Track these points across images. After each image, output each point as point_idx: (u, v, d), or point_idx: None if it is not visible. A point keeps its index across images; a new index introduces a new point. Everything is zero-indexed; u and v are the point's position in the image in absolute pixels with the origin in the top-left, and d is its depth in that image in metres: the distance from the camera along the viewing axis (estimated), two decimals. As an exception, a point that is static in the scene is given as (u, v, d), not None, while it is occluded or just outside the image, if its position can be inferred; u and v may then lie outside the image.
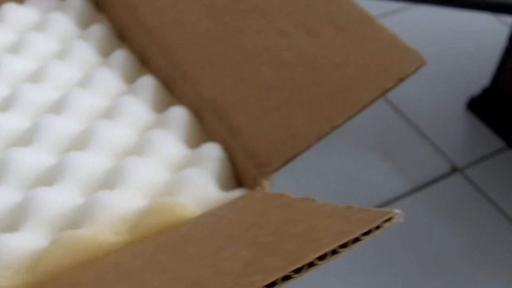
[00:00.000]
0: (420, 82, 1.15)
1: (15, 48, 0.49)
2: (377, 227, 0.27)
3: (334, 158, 1.02)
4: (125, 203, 0.37)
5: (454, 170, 1.04)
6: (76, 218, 0.36)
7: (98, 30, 0.51)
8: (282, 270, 0.25)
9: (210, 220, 0.36)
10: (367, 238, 0.27)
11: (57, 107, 0.43)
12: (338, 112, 0.41)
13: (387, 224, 0.28)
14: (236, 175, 0.43)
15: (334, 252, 0.26)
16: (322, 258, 0.26)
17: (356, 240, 0.27)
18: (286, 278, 0.25)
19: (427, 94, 1.21)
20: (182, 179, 0.39)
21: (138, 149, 0.41)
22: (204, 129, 0.45)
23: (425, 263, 0.87)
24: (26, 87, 0.44)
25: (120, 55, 0.49)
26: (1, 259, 0.33)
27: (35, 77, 0.46)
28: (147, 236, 0.36)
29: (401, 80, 0.42)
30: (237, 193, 0.40)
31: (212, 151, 0.42)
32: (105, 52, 0.51)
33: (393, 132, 1.08)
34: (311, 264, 0.26)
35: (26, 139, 0.41)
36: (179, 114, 0.44)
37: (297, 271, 0.25)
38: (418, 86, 1.16)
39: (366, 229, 0.27)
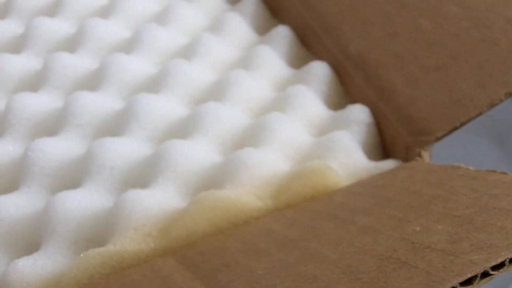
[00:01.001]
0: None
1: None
2: None
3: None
4: (270, 164, 0.33)
5: None
6: (215, 177, 0.33)
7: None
8: (510, 249, 0.21)
9: (368, 189, 0.32)
10: None
11: (187, 52, 0.40)
12: (515, 76, 0.36)
13: None
14: (383, 143, 0.39)
15: None
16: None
17: None
18: (515, 260, 0.21)
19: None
20: (329, 142, 0.35)
21: (278, 105, 0.38)
22: (346, 88, 0.41)
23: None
24: (151, 28, 0.40)
25: (250, 3, 0.45)
26: (131, 218, 0.30)
27: (160, 18, 0.43)
28: (294, 203, 0.32)
29: None
30: (389, 163, 0.36)
31: (359, 113, 0.38)
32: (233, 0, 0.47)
33: (506, 117, 1.01)
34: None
35: (154, 85, 0.38)
36: (320, 70, 0.40)
37: (530, 252, 0.21)
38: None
39: None
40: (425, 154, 0.36)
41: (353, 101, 0.40)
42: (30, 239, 0.31)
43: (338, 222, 0.28)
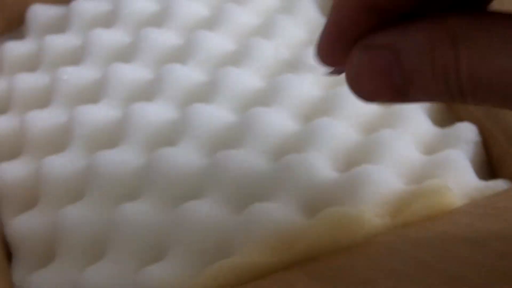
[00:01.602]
0: None
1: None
2: None
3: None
4: (388, 182, 0.33)
5: None
6: (334, 193, 0.33)
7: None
8: None
9: (490, 211, 0.32)
10: None
11: (291, 66, 0.41)
12: None
13: None
14: (489, 162, 0.39)
15: None
16: None
17: None
18: None
19: None
20: (443, 160, 0.35)
21: (386, 121, 0.38)
22: (449, 104, 0.41)
23: None
24: (256, 42, 0.41)
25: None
26: (258, 230, 0.31)
27: (261, 31, 0.44)
28: (411, 222, 0.33)
29: None
30: (499, 183, 0.36)
31: (468, 132, 0.38)
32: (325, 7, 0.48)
33: None
34: None
35: (265, 98, 0.39)
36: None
37: None
38: None
39: None
40: (536, 176, 0.36)
41: (457, 118, 0.40)
42: (154, 246, 0.32)
43: (471, 244, 0.28)
